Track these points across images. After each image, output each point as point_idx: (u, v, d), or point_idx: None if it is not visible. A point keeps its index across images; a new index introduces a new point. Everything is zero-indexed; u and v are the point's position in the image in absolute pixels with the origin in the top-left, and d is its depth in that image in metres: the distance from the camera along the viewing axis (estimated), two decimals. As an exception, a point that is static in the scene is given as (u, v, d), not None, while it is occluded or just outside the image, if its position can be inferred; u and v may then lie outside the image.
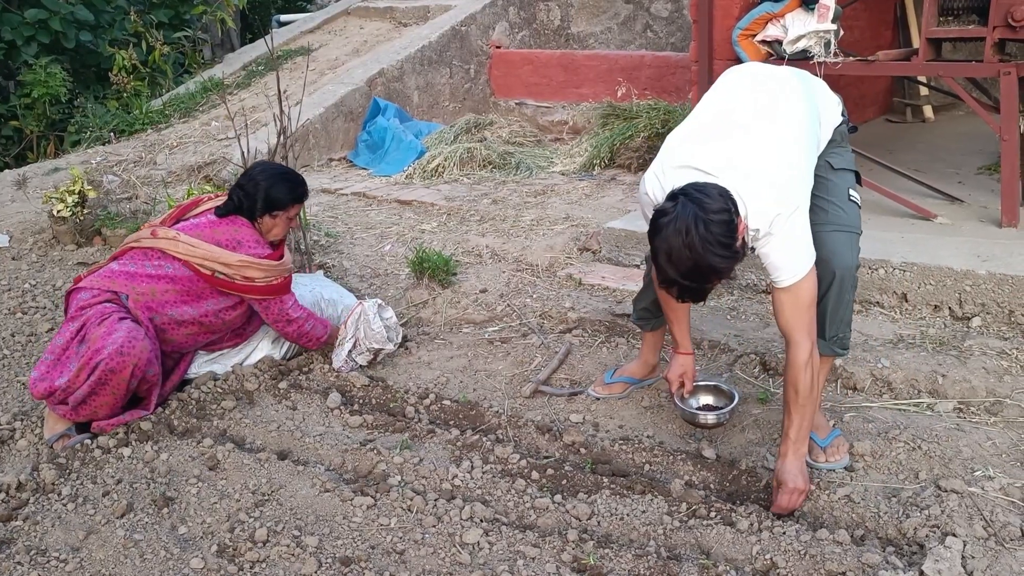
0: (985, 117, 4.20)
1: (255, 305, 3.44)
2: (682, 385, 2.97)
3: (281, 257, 3.46)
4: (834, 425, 2.89)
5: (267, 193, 3.40)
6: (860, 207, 2.72)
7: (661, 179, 2.52)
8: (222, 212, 3.44)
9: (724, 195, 2.30)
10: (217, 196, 3.62)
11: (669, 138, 2.63)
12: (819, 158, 2.70)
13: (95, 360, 3.01)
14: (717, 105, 2.69)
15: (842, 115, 2.80)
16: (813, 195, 2.57)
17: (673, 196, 2.33)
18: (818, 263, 2.51)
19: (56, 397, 3.06)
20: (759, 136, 2.50)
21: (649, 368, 3.30)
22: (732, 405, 2.95)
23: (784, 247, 2.42)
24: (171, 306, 3.29)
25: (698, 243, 2.22)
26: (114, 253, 3.45)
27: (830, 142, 2.74)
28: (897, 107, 6.77)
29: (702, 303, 2.50)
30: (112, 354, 3.01)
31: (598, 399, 3.25)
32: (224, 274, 3.31)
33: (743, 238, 2.33)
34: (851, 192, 2.71)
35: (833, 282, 2.59)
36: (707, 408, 3.02)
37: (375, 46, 8.01)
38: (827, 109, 2.74)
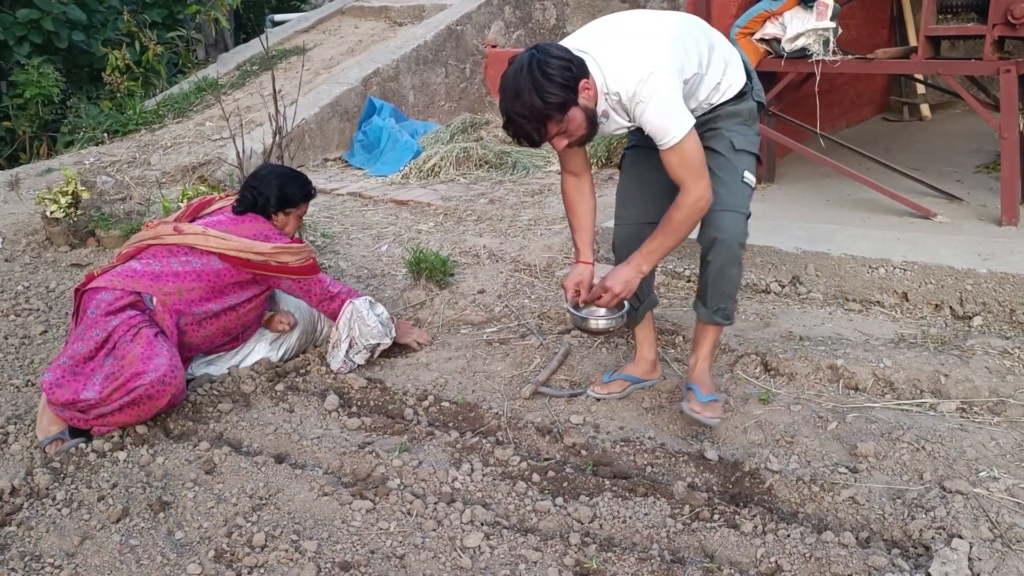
0: (984, 115, 4.19)
1: (296, 291, 3.54)
2: (577, 293, 2.93)
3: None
4: (725, 401, 3.06)
5: (281, 190, 3.54)
6: (752, 189, 2.86)
7: None
8: (240, 210, 3.54)
9: (567, 54, 2.56)
10: (227, 196, 3.73)
11: None
12: (721, 135, 2.83)
13: (134, 384, 2.96)
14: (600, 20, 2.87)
15: (752, 89, 2.90)
16: (709, 172, 2.71)
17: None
18: (703, 238, 2.79)
19: (77, 407, 3.00)
20: (626, 26, 2.74)
21: (648, 365, 3.28)
22: (624, 311, 2.91)
23: (657, 111, 2.57)
24: (197, 304, 3.31)
25: (529, 80, 2.49)
26: (127, 251, 3.41)
27: (733, 115, 2.85)
28: (894, 106, 6.76)
29: (535, 147, 2.67)
30: (154, 382, 2.97)
31: (598, 399, 3.23)
32: (260, 260, 3.39)
33: (593, 100, 2.59)
34: (746, 174, 2.83)
35: (713, 257, 2.80)
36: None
37: (370, 45, 7.98)
38: (723, 50, 2.84)
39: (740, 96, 2.86)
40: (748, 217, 2.84)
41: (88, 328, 3.09)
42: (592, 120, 2.62)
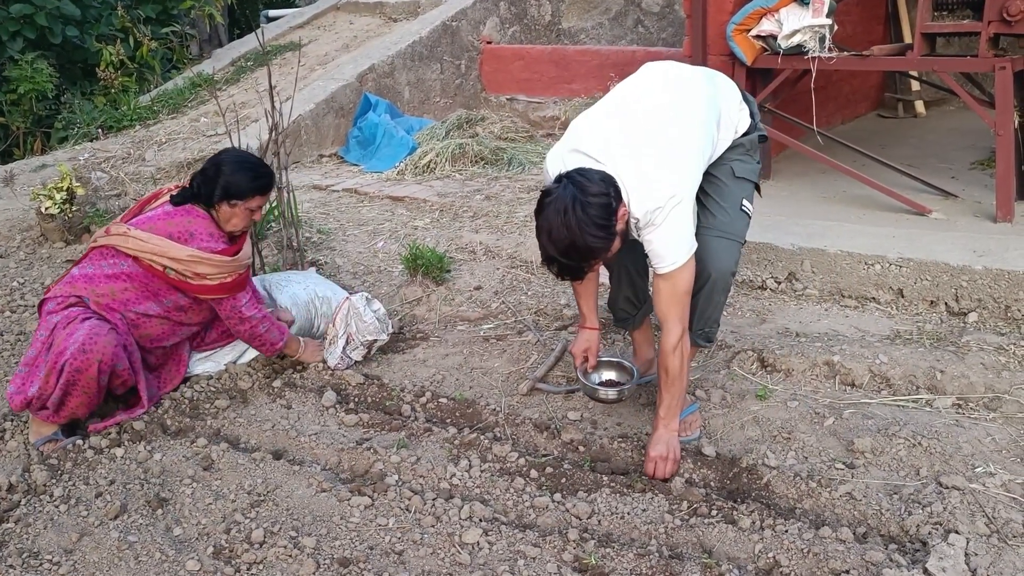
0: (980, 112, 4.20)
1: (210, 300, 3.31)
2: (586, 360, 3.00)
3: (238, 252, 3.29)
4: (695, 400, 3.07)
5: (228, 179, 3.22)
6: (750, 218, 2.85)
7: (561, 161, 2.64)
8: (178, 200, 3.29)
9: (606, 180, 2.46)
10: (178, 187, 3.43)
11: (575, 121, 2.75)
12: (722, 163, 2.81)
13: (60, 362, 2.96)
14: (624, 95, 2.78)
15: (754, 124, 2.89)
16: (707, 197, 2.77)
17: (559, 179, 2.50)
18: (697, 263, 2.66)
19: (34, 405, 3.01)
20: (652, 129, 2.62)
21: (646, 364, 3.29)
22: (632, 382, 3.02)
23: (664, 238, 2.56)
24: (134, 304, 3.19)
25: (575, 223, 2.38)
26: (81, 256, 3.35)
27: (736, 147, 2.83)
28: (889, 102, 6.77)
29: (579, 281, 2.71)
30: (75, 353, 2.96)
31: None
32: (176, 271, 3.17)
33: (625, 222, 2.51)
34: (744, 202, 2.83)
35: (706, 284, 2.76)
36: (609, 384, 3.08)
37: (365, 41, 7.96)
38: (730, 115, 2.82)
39: (746, 132, 2.88)
40: (743, 245, 2.84)
41: (36, 332, 3.13)
42: (625, 239, 2.57)
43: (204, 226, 3.23)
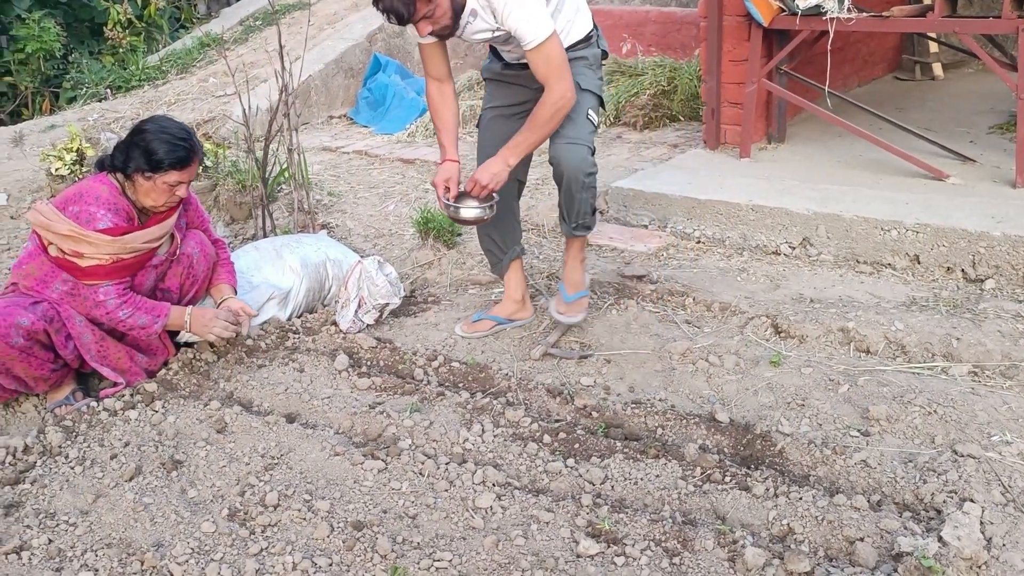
0: (1002, 75, 4.13)
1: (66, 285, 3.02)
2: (447, 189, 3.12)
3: (130, 233, 2.99)
4: (590, 286, 3.36)
5: (143, 148, 2.94)
6: (596, 128, 3.13)
7: None
8: (98, 166, 3.09)
9: None
10: None
11: None
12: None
13: None
14: None
15: (596, 38, 3.17)
16: None
17: None
18: (553, 167, 3.06)
19: (0, 396, 3.00)
20: None
21: (515, 306, 3.49)
22: (493, 202, 3.08)
23: (524, 14, 2.81)
24: (51, 280, 3.00)
25: None
26: None
27: (579, 59, 3.08)
28: (906, 64, 6.67)
29: (403, 24, 2.82)
30: None
31: (463, 337, 3.46)
32: (60, 249, 2.94)
33: None
34: (589, 112, 3.09)
35: (563, 184, 3.08)
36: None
37: (374, 0, 7.86)
38: (571, 2, 3.07)
39: (587, 41, 3.12)
40: (593, 152, 3.08)
41: None
42: (457, 13, 2.84)
43: (98, 192, 2.97)
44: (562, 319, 3.30)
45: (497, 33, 2.95)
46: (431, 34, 2.88)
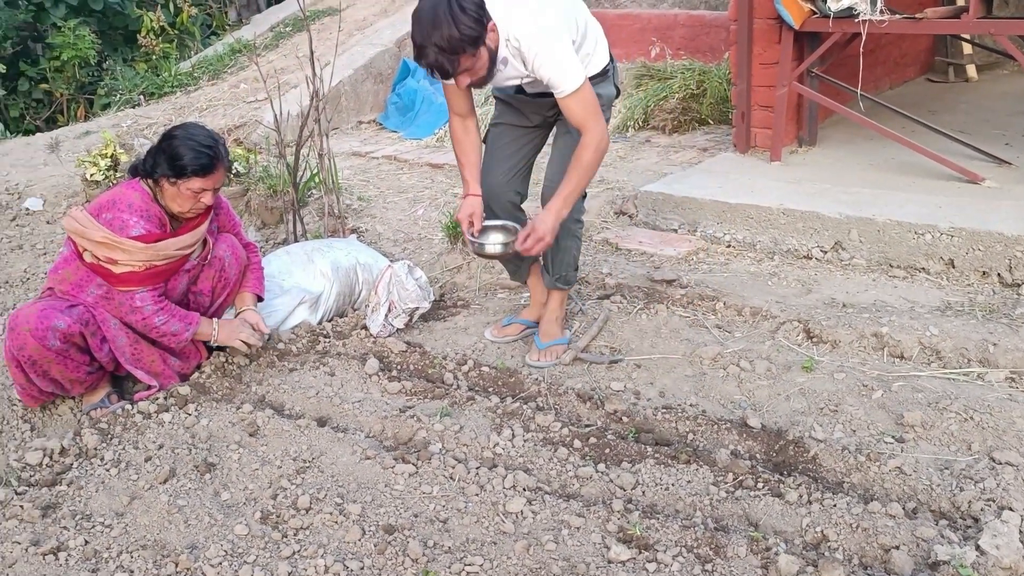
0: (1038, 77, 4.06)
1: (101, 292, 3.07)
2: (471, 224, 3.11)
3: (162, 240, 3.02)
4: (570, 336, 3.37)
5: (169, 153, 2.97)
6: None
7: None
8: (131, 171, 3.12)
9: (478, 3, 2.68)
10: None
11: None
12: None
13: (3, 353, 2.98)
14: None
15: (612, 74, 3.15)
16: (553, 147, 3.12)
17: None
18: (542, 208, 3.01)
19: (38, 398, 3.06)
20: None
21: (543, 309, 3.44)
22: (515, 237, 3.04)
23: (549, 64, 2.78)
24: (87, 284, 3.05)
25: (445, 9, 2.60)
26: None
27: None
28: (939, 66, 6.59)
29: (450, 80, 2.80)
30: (7, 339, 2.95)
31: (493, 341, 3.47)
32: (92, 253, 2.99)
33: (493, 35, 2.71)
34: None
35: None
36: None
37: (403, 6, 7.90)
38: (591, 35, 3.03)
39: (603, 76, 3.08)
40: (584, 198, 3.10)
41: None
42: (493, 61, 2.78)
43: (130, 198, 3.01)
44: (534, 364, 3.29)
45: (527, 79, 2.93)
46: (471, 84, 2.83)
